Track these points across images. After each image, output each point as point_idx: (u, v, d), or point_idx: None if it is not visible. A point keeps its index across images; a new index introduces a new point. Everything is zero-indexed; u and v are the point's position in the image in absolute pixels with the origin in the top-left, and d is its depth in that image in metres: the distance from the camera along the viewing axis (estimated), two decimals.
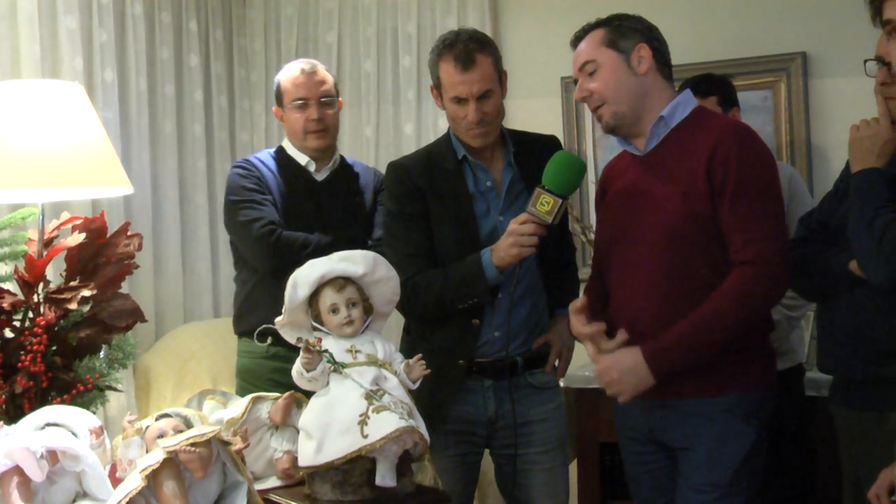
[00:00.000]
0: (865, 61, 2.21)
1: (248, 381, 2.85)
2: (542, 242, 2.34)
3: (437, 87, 2.53)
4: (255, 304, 2.82)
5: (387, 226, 2.61)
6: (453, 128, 2.54)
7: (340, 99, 3.02)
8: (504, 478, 2.57)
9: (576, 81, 2.36)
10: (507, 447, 2.52)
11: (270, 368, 2.76)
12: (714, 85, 3.08)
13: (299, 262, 2.52)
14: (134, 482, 1.77)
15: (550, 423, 2.56)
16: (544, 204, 2.28)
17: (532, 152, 2.55)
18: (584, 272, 3.79)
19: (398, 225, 2.55)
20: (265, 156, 2.98)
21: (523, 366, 2.52)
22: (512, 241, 2.33)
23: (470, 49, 2.45)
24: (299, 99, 2.87)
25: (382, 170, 2.79)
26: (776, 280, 2.15)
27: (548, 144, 2.60)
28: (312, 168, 2.92)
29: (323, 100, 2.89)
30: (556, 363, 2.58)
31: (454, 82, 2.45)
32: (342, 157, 3.01)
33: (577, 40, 2.34)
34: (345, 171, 2.97)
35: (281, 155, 2.96)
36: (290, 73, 2.93)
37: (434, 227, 2.52)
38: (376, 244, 2.70)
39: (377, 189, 2.96)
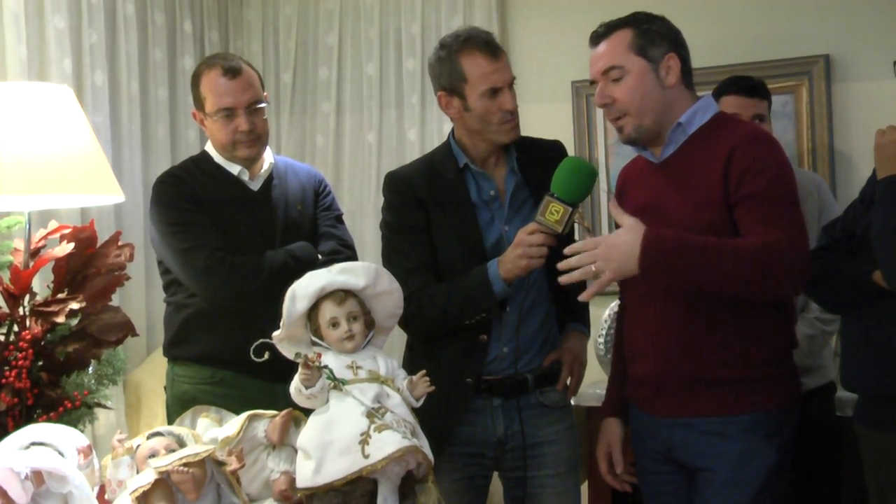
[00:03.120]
0: (895, 62, 2.15)
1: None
2: (551, 252, 2.28)
3: (456, 88, 2.43)
4: (197, 330, 2.64)
5: (386, 239, 2.53)
6: (480, 129, 2.45)
7: (266, 93, 2.75)
8: (513, 501, 2.51)
9: (592, 83, 2.28)
10: (516, 469, 2.45)
11: (217, 395, 2.53)
12: (767, 89, 3.07)
13: (253, 289, 2.52)
14: None
15: (562, 444, 2.49)
16: (554, 213, 2.23)
17: (535, 158, 2.50)
18: None
19: (399, 238, 2.48)
20: (190, 166, 2.74)
21: (533, 383, 2.45)
22: (520, 252, 2.26)
23: (490, 38, 2.42)
24: (224, 109, 2.60)
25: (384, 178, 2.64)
26: (799, 258, 2.04)
27: (552, 150, 2.55)
28: (246, 177, 2.69)
29: (252, 107, 2.63)
30: (568, 381, 2.51)
31: (487, 72, 2.38)
32: (274, 160, 2.77)
33: (598, 38, 2.25)
34: (280, 177, 2.75)
35: (208, 164, 2.71)
36: (210, 77, 2.63)
37: (436, 239, 2.45)
38: (328, 259, 2.58)
39: (318, 192, 2.82)
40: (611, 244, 2.05)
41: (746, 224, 2.08)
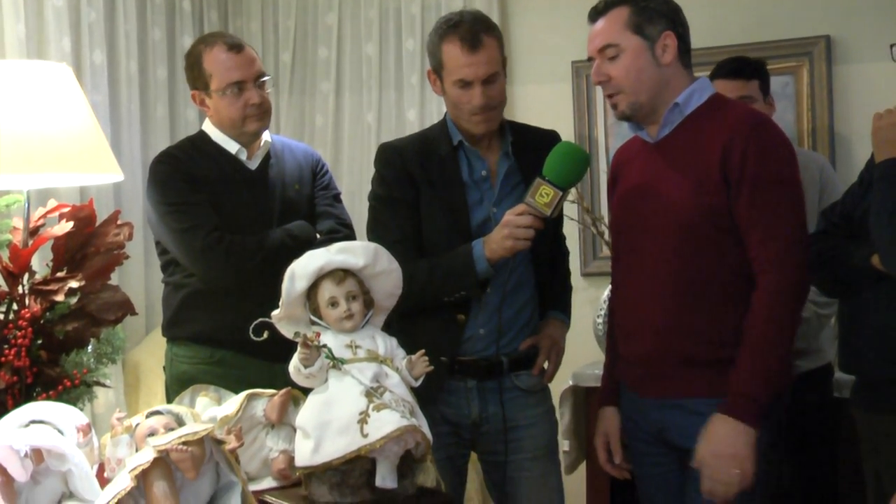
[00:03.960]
0: (892, 46, 2.14)
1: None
2: (537, 238, 2.27)
3: (438, 70, 2.45)
4: (195, 310, 2.64)
5: (373, 210, 2.52)
6: (454, 115, 2.46)
7: None
8: (493, 484, 2.52)
9: (590, 59, 2.27)
10: (492, 453, 2.46)
11: (216, 375, 2.52)
12: (757, 69, 3.03)
13: (252, 269, 2.52)
14: (123, 482, 1.74)
15: (538, 428, 2.49)
16: (543, 195, 2.22)
17: (530, 145, 2.49)
18: (594, 266, 3.80)
19: (385, 210, 2.48)
20: (187, 145, 2.74)
21: (508, 366, 2.45)
22: (507, 232, 2.26)
23: (476, 30, 2.37)
24: (235, 84, 2.60)
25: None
26: (799, 281, 2.10)
27: (548, 139, 2.53)
28: (244, 156, 2.68)
29: (259, 81, 2.63)
30: (545, 366, 2.51)
31: (460, 64, 2.37)
32: (272, 139, 2.77)
33: (596, 14, 2.24)
34: (278, 156, 2.75)
35: (206, 143, 2.70)
36: (214, 54, 2.62)
37: (424, 214, 2.44)
38: (327, 238, 2.57)
39: (315, 171, 2.81)
40: (718, 455, 2.05)
41: (745, 224, 2.09)
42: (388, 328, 2.47)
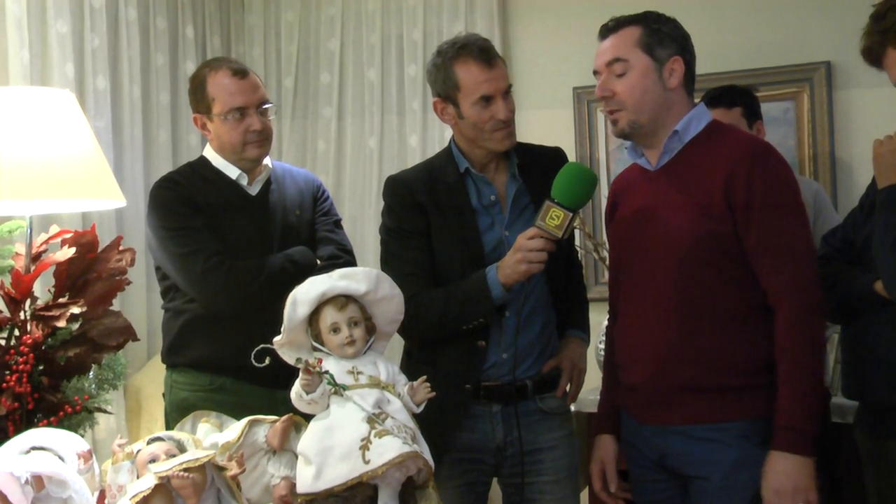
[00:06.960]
0: None
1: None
2: (550, 258, 2.27)
3: (451, 95, 2.43)
4: (195, 336, 2.61)
5: (385, 243, 2.52)
6: (474, 137, 2.45)
7: None
8: None
9: (595, 72, 2.27)
10: (515, 475, 2.43)
11: (216, 402, 2.48)
12: (739, 96, 3.03)
13: (252, 294, 2.51)
14: None
15: (560, 450, 2.47)
16: (554, 218, 2.21)
17: (537, 164, 2.49)
18: (596, 291, 3.77)
19: (397, 242, 2.47)
20: (188, 171, 2.72)
21: (533, 389, 2.44)
22: (520, 256, 2.25)
23: (487, 47, 2.41)
24: (237, 109, 2.60)
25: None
26: (819, 301, 2.10)
27: (553, 156, 2.54)
28: (245, 182, 2.68)
29: (261, 107, 2.64)
30: (567, 388, 2.49)
31: (480, 80, 2.38)
32: (273, 165, 2.77)
33: (607, 31, 2.25)
34: (278, 182, 2.75)
35: (206, 168, 2.69)
36: (218, 78, 2.63)
37: (436, 243, 2.44)
38: (328, 264, 2.57)
39: (316, 197, 2.81)
40: (782, 492, 2.05)
41: (756, 252, 2.09)
42: (409, 358, 2.48)
